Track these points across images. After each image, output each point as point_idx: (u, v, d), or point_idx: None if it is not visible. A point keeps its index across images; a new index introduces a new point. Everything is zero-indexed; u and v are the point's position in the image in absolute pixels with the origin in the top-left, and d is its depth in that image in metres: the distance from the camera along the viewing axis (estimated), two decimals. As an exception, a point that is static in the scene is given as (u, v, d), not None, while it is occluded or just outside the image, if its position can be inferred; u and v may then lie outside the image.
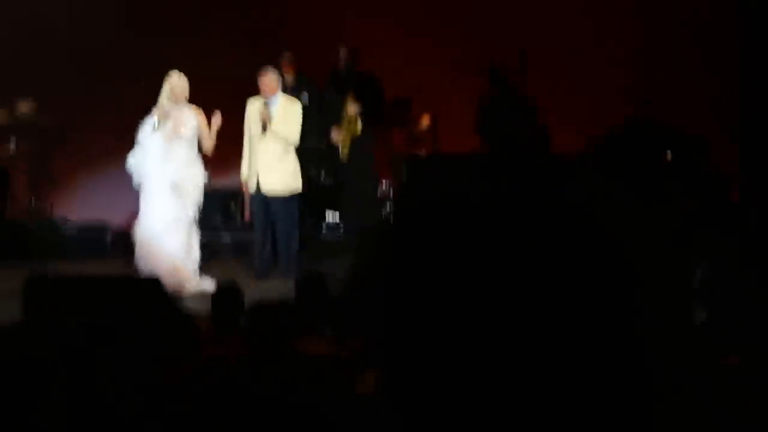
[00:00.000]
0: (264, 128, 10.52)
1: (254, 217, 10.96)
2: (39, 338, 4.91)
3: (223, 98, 11.06)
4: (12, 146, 12.79)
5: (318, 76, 12.58)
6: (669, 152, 10.18)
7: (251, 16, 14.02)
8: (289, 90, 11.25)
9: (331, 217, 12.65)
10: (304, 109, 10.94)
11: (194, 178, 10.05)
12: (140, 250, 9.90)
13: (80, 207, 13.69)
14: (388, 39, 13.53)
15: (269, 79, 10.66)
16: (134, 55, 13.52)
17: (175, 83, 10.03)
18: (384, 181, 12.63)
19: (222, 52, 13.61)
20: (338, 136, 11.60)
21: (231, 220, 12.94)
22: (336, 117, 11.68)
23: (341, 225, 12.33)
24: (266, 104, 10.60)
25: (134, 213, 10.10)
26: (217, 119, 10.02)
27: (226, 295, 6.26)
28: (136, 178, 10.00)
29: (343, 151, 11.65)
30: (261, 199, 10.65)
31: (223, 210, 12.89)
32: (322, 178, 12.52)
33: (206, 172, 10.14)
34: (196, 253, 10.06)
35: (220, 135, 10.11)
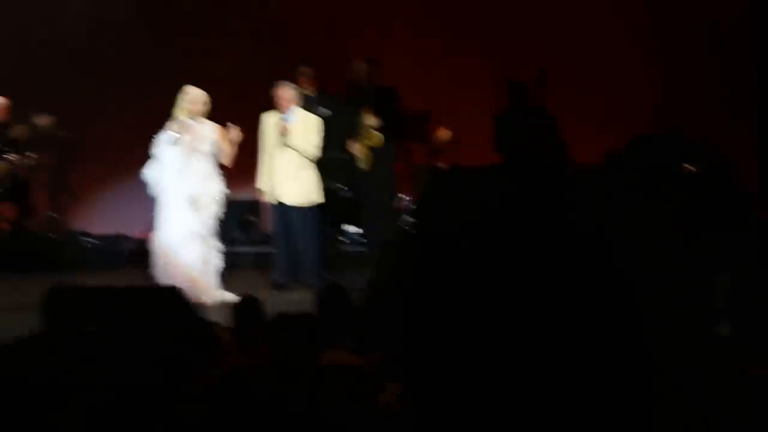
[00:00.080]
0: (282, 141, 10.53)
1: (273, 228, 10.98)
2: (60, 349, 4.92)
3: (242, 111, 11.08)
4: (31, 159, 12.81)
5: (336, 90, 12.58)
6: (689, 165, 10.14)
7: (269, 30, 14.03)
8: (307, 104, 11.25)
9: (352, 228, 12.65)
10: (325, 120, 10.94)
11: (212, 191, 10.05)
12: (157, 263, 9.90)
13: (99, 220, 13.72)
14: (407, 53, 13.54)
15: (285, 93, 10.67)
16: (151, 69, 13.56)
17: (192, 98, 10.03)
18: (403, 194, 12.63)
19: (239, 66, 13.63)
20: (357, 149, 11.59)
21: (250, 232, 12.94)
22: (355, 130, 11.67)
23: (362, 237, 12.31)
24: (283, 118, 10.61)
25: (152, 225, 10.11)
26: (234, 133, 10.01)
27: (246, 307, 6.26)
28: (152, 192, 10.01)
29: (363, 163, 11.64)
30: (280, 210, 10.66)
31: (242, 222, 12.89)
32: (342, 190, 12.51)
33: (225, 186, 10.14)
34: (215, 266, 10.07)
35: (240, 147, 10.11)
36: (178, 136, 9.91)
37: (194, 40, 13.96)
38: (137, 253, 10.56)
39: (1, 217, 12.74)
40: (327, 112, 11.84)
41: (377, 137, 11.48)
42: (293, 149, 10.58)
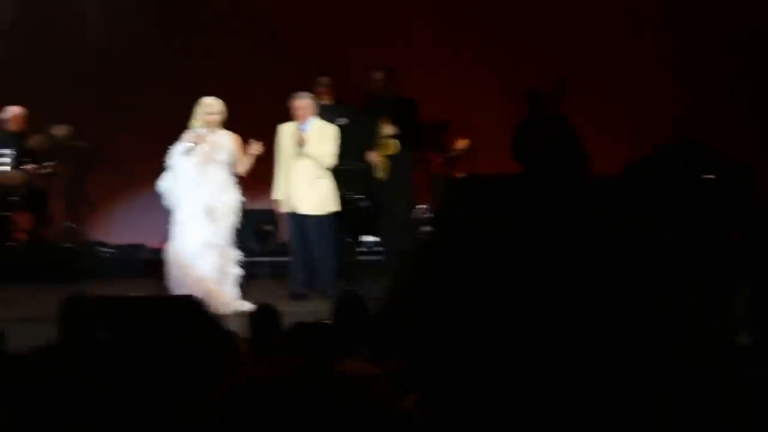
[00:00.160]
0: (299, 150, 10.52)
1: (289, 238, 10.97)
2: (77, 358, 4.91)
3: (259, 121, 11.08)
4: (49, 169, 12.83)
5: (354, 100, 12.57)
6: (709, 176, 10.09)
7: (287, 40, 14.03)
8: (324, 114, 11.24)
9: (369, 238, 12.63)
10: (342, 130, 10.94)
11: (229, 202, 10.04)
12: (172, 273, 9.90)
13: (116, 229, 13.74)
14: (425, 62, 13.53)
15: (303, 103, 10.66)
16: (169, 80, 13.57)
17: (210, 108, 10.03)
18: (421, 204, 12.61)
19: (257, 77, 13.64)
20: (375, 158, 11.57)
21: (267, 242, 12.93)
22: (372, 139, 11.65)
23: (379, 246, 12.29)
24: (300, 128, 10.60)
25: (168, 236, 10.11)
26: (255, 147, 10.01)
27: (263, 316, 6.24)
28: (167, 202, 10.00)
29: (380, 172, 11.61)
30: (296, 220, 10.65)
31: (259, 232, 12.88)
32: (359, 200, 12.49)
33: (241, 196, 10.14)
34: (233, 276, 10.06)
35: (258, 156, 10.11)
36: (193, 146, 9.91)
37: (212, 51, 13.97)
38: (154, 262, 10.54)
39: (18, 226, 12.75)
40: (344, 121, 11.83)
41: (394, 145, 11.46)
42: (310, 159, 10.57)
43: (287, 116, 10.74)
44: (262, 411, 1.75)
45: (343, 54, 13.46)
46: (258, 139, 10.12)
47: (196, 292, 9.24)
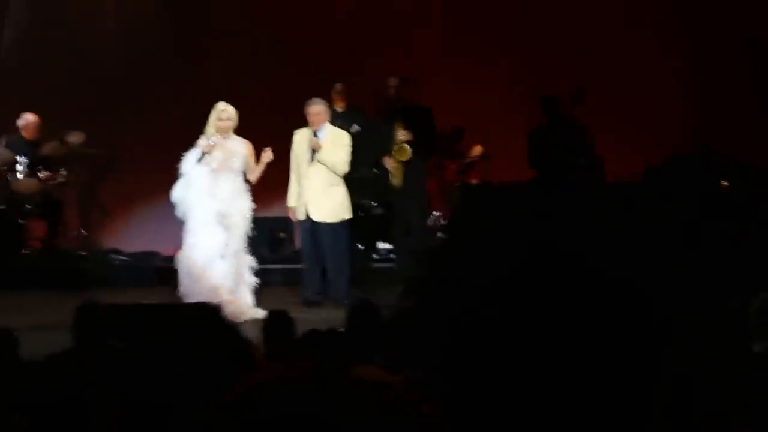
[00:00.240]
0: (313, 156, 10.52)
1: (302, 245, 10.97)
2: (91, 365, 4.91)
3: (272, 128, 11.08)
4: (63, 177, 12.85)
5: (368, 107, 12.57)
6: (726, 182, 10.06)
7: (301, 46, 14.05)
8: (338, 121, 11.24)
9: (382, 245, 12.61)
10: (354, 137, 10.94)
11: (242, 209, 10.05)
12: (184, 282, 9.89)
13: (131, 237, 13.74)
14: (440, 70, 13.52)
15: (317, 110, 10.65)
16: (183, 88, 13.59)
17: (223, 114, 10.04)
18: (436, 211, 12.60)
19: (271, 84, 13.64)
20: (389, 163, 11.55)
21: (280, 249, 12.93)
22: (386, 146, 11.64)
23: (392, 254, 12.27)
24: (315, 134, 10.60)
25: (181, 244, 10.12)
26: (267, 155, 10.03)
27: (276, 322, 6.23)
28: (180, 211, 10.00)
29: (395, 179, 11.60)
30: (309, 227, 10.64)
31: (273, 239, 12.88)
32: (373, 207, 12.48)
33: (252, 203, 10.14)
34: (248, 283, 10.06)
35: (270, 164, 10.12)
36: (206, 153, 9.91)
37: (226, 60, 13.98)
38: (166, 270, 10.54)
39: (32, 234, 12.77)
40: (357, 128, 11.84)
41: (407, 151, 11.45)
42: (324, 166, 10.56)
43: (301, 124, 10.74)
44: (274, 413, 1.73)
45: (358, 62, 13.46)
46: (272, 146, 10.13)
47: (210, 300, 9.24)
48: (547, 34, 13.78)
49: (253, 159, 10.10)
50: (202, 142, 9.99)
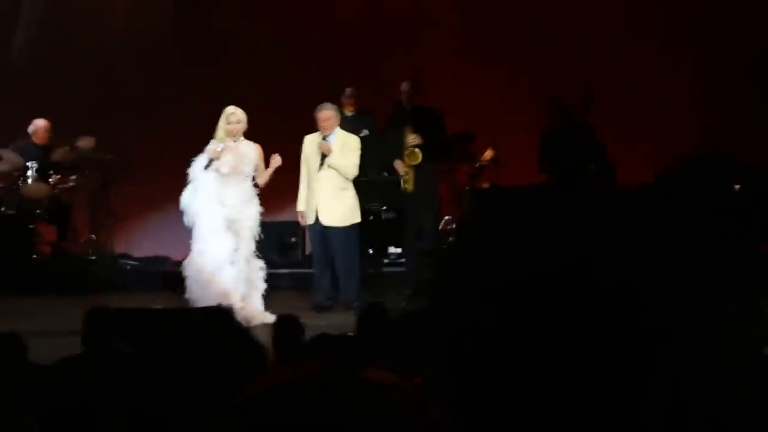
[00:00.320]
0: (323, 160, 10.50)
1: (313, 250, 10.96)
2: (101, 368, 4.90)
3: (282, 132, 11.07)
4: (73, 182, 12.86)
5: (379, 111, 12.56)
6: (737, 186, 10.03)
7: (310, 50, 14.04)
8: (348, 125, 11.23)
9: (393, 249, 12.59)
10: (364, 141, 10.93)
11: (251, 214, 10.03)
12: (194, 288, 9.88)
13: (141, 242, 13.75)
14: (451, 73, 13.50)
15: (327, 114, 10.64)
16: (194, 92, 13.59)
17: (232, 117, 10.03)
18: (447, 215, 12.58)
19: (279, 88, 13.64)
20: (400, 167, 11.52)
21: (290, 254, 12.91)
22: (397, 150, 11.62)
23: (402, 258, 12.24)
24: (325, 139, 10.59)
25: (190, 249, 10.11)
26: (276, 161, 10.02)
27: (286, 327, 6.22)
28: (188, 216, 9.99)
29: (406, 184, 11.56)
30: (319, 231, 10.62)
31: (283, 243, 12.87)
32: (383, 211, 12.47)
33: (261, 207, 10.13)
34: (259, 288, 10.05)
35: (280, 168, 10.12)
36: (214, 159, 9.89)
37: (236, 64, 13.99)
38: (175, 275, 10.53)
39: (42, 239, 12.78)
40: (366, 132, 11.83)
41: (418, 155, 11.42)
42: (334, 170, 10.55)
43: (310, 128, 10.73)
44: (282, 416, 1.71)
45: (369, 66, 13.46)
46: (282, 150, 10.12)
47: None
48: (557, 37, 13.76)
49: (262, 162, 10.09)
50: (211, 146, 9.98)
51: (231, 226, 9.92)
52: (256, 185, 10.14)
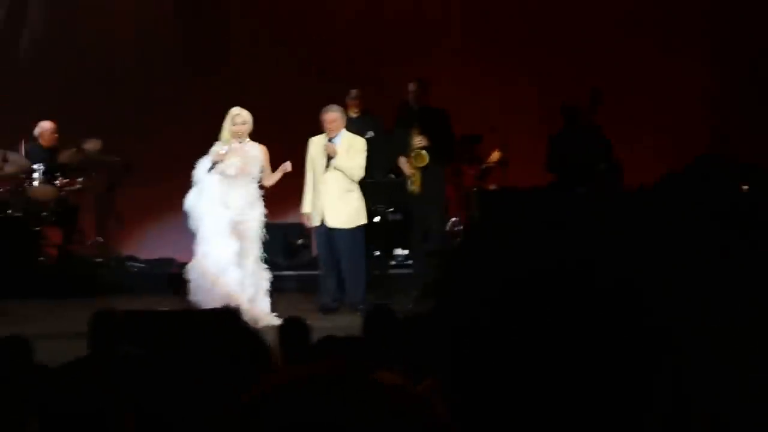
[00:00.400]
0: (329, 162, 10.49)
1: (318, 252, 10.95)
2: (108, 370, 4.88)
3: (287, 134, 11.07)
4: (79, 185, 12.86)
5: (384, 113, 12.55)
6: (745, 188, 10.00)
7: (316, 52, 14.04)
8: (353, 127, 11.22)
9: (399, 251, 12.58)
10: (370, 142, 10.92)
11: (256, 216, 10.02)
12: (198, 290, 9.87)
13: (147, 244, 13.75)
14: (458, 75, 13.49)
15: (332, 116, 10.63)
16: (200, 95, 13.58)
17: (237, 118, 10.01)
18: (454, 217, 12.56)
19: (284, 89, 13.64)
20: (406, 168, 11.48)
21: (296, 256, 12.91)
22: (403, 151, 11.60)
23: (409, 259, 12.23)
24: (331, 141, 10.58)
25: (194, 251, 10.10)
26: (287, 167, 10.01)
27: (292, 330, 6.20)
28: (193, 218, 9.98)
29: (412, 185, 11.53)
30: (325, 233, 10.62)
31: (289, 246, 12.86)
32: (389, 213, 12.46)
33: (266, 210, 10.12)
34: (264, 289, 10.04)
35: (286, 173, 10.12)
36: (217, 161, 9.88)
37: (240, 65, 13.98)
38: (178, 277, 10.52)
39: (48, 241, 12.78)
40: (371, 134, 11.82)
41: (425, 157, 11.40)
42: (340, 172, 10.54)
43: (316, 130, 10.73)
44: (289, 415, 1.70)
45: (374, 68, 13.46)
46: (287, 152, 10.12)
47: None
48: (563, 38, 13.75)
49: (269, 164, 10.07)
50: (216, 148, 9.96)
51: (235, 228, 9.90)
52: (262, 187, 10.13)
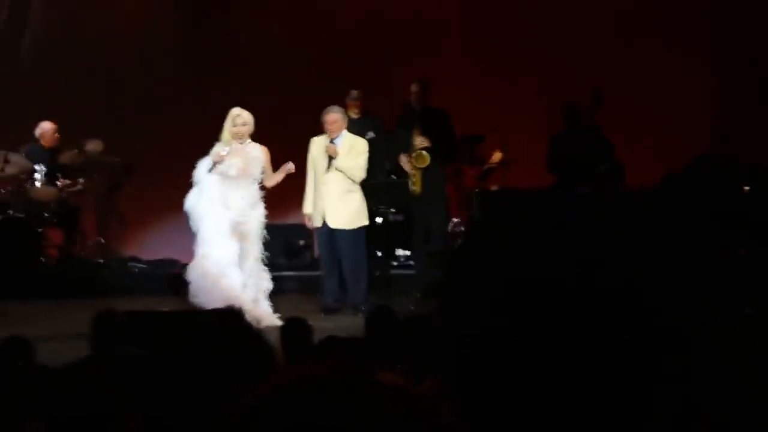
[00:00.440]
0: (330, 163, 10.49)
1: (320, 252, 10.95)
2: (110, 371, 4.88)
3: (288, 135, 11.06)
4: (80, 186, 12.86)
5: (385, 114, 12.55)
6: (746, 187, 10.00)
7: (318, 53, 14.04)
8: (354, 128, 11.22)
9: (401, 252, 12.58)
10: (371, 143, 10.92)
11: (257, 216, 10.02)
12: (199, 292, 9.86)
13: (149, 245, 13.75)
14: (459, 76, 13.49)
15: (334, 117, 10.63)
16: (202, 96, 13.58)
17: (238, 119, 10.01)
18: (455, 217, 12.55)
19: (286, 90, 13.64)
20: (407, 166, 11.47)
21: (298, 256, 12.91)
22: (405, 151, 11.59)
23: (411, 260, 12.23)
24: (332, 141, 10.58)
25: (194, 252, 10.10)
26: (289, 167, 10.01)
27: (294, 330, 6.21)
28: (193, 219, 9.97)
29: (413, 186, 11.53)
30: (326, 233, 10.62)
31: (291, 246, 12.86)
32: (390, 213, 12.46)
33: (266, 210, 10.12)
34: (265, 290, 10.04)
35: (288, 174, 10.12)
36: (218, 161, 9.88)
37: (242, 66, 13.99)
38: (179, 278, 10.52)
39: (49, 242, 12.78)
40: (371, 135, 11.82)
41: (426, 158, 11.39)
42: (341, 173, 10.54)
43: (317, 131, 10.73)
44: (291, 415, 1.71)
45: (376, 69, 13.46)
46: (288, 154, 10.11)
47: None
48: (564, 38, 13.75)
49: (270, 165, 10.07)
50: (217, 149, 9.96)
51: (236, 229, 9.90)
52: (263, 188, 10.13)
